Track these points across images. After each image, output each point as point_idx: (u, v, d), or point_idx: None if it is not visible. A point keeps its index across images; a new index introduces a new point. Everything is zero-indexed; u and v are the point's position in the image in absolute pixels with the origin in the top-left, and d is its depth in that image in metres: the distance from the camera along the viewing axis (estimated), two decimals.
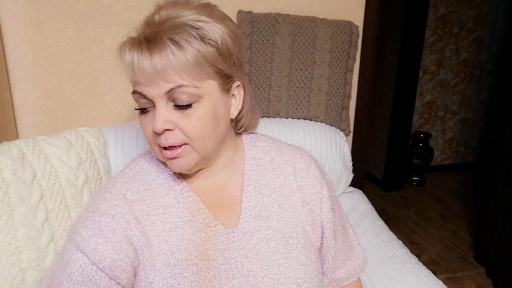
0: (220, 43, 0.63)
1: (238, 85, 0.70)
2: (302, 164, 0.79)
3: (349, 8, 1.46)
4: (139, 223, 0.68)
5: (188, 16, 0.63)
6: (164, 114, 0.62)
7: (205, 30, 0.62)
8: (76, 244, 0.66)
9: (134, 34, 0.65)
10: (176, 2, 0.66)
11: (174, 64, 0.60)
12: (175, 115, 0.63)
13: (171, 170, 0.72)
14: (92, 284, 0.64)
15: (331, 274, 0.79)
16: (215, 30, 0.63)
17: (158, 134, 0.64)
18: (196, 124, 0.63)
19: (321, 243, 0.78)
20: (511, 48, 3.15)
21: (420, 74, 3.04)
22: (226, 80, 0.67)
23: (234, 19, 1.36)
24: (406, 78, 2.86)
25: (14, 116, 1.24)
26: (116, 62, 1.28)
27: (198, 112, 0.63)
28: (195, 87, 0.62)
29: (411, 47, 2.80)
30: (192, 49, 0.61)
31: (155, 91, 0.62)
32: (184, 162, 0.66)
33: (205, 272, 0.65)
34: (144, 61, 0.60)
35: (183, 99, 0.62)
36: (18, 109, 1.24)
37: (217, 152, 0.71)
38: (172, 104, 0.63)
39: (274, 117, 1.38)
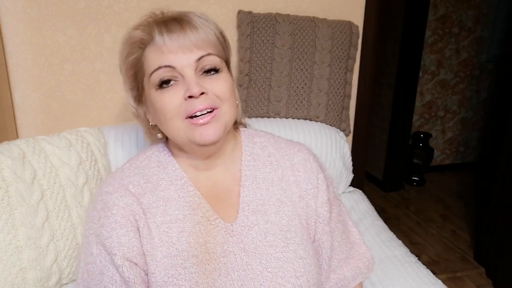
0: (224, 34, 0.74)
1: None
2: (300, 158, 0.79)
3: (349, 8, 1.46)
4: (144, 213, 0.70)
5: None
6: (196, 79, 0.66)
7: (214, 22, 0.72)
8: (102, 244, 0.67)
9: (139, 32, 0.70)
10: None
11: (203, 37, 0.67)
12: (205, 81, 0.67)
13: (194, 146, 0.69)
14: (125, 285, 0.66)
15: (328, 272, 0.78)
16: (218, 26, 0.73)
17: (194, 98, 0.65)
18: (225, 86, 0.69)
19: (314, 237, 0.78)
20: (511, 48, 3.15)
21: (420, 74, 3.04)
22: (228, 65, 0.75)
23: (234, 19, 1.36)
24: (406, 78, 2.86)
25: (14, 116, 1.24)
26: (116, 62, 1.28)
27: (224, 78, 0.70)
28: (219, 57, 0.70)
29: (411, 47, 2.79)
30: (214, 29, 0.70)
31: (186, 59, 0.66)
32: (214, 128, 0.66)
33: (205, 264, 0.66)
34: (178, 32, 0.66)
35: (211, 65, 0.68)
36: (18, 109, 1.24)
37: (223, 141, 0.73)
38: (200, 73, 0.67)
39: (274, 117, 1.38)
